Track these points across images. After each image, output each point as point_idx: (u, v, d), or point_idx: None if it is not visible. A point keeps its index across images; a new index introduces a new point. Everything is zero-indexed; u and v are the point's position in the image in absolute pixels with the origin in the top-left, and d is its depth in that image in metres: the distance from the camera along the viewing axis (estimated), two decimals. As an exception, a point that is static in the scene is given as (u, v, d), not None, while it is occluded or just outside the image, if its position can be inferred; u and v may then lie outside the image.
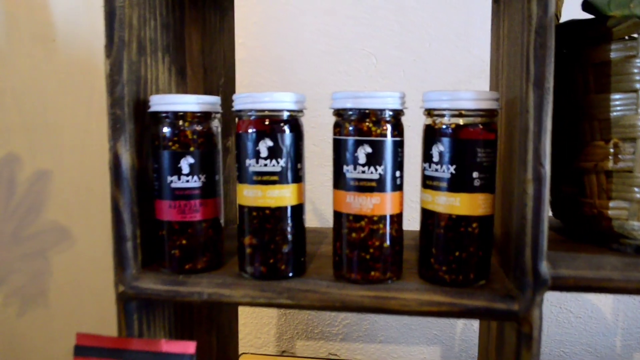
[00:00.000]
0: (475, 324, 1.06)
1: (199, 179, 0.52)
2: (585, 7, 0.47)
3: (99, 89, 0.87)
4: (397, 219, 0.49)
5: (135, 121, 0.52)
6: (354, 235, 0.48)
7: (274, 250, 0.50)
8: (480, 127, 0.46)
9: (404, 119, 0.50)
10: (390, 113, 0.47)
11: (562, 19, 0.56)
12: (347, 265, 0.50)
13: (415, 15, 1.02)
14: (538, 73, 0.43)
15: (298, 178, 0.51)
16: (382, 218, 0.48)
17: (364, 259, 0.49)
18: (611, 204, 0.50)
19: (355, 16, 1.04)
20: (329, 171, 1.04)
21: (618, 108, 0.49)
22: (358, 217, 0.48)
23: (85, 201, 0.84)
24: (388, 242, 0.48)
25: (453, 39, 1.02)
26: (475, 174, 0.46)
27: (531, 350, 0.45)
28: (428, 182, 0.48)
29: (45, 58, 0.80)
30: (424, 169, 0.49)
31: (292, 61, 1.06)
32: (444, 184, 0.47)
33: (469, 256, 0.47)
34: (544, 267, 0.44)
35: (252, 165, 0.49)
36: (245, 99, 0.49)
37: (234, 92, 0.79)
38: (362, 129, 0.47)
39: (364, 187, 0.47)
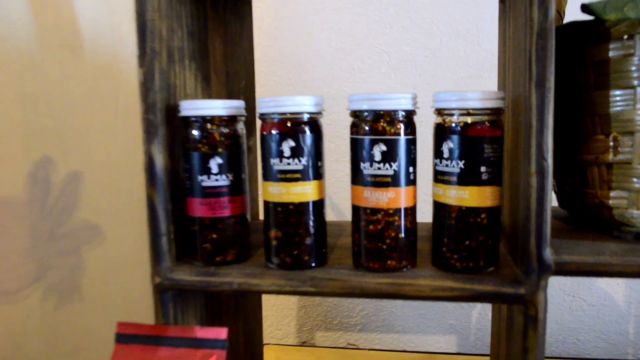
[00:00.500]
0: (489, 312, 1.09)
1: (227, 177, 0.56)
2: (584, 10, 0.50)
3: (124, 92, 0.91)
4: (411, 211, 0.53)
5: (166, 125, 0.57)
6: (371, 227, 0.52)
7: (298, 243, 0.54)
8: (487, 124, 0.50)
9: (418, 114, 0.53)
10: (403, 113, 0.51)
11: (567, 19, 0.59)
12: (366, 255, 0.54)
13: (426, 10, 1.05)
14: (539, 74, 0.46)
15: (319, 175, 0.55)
16: (397, 211, 0.52)
17: (381, 249, 0.52)
18: (612, 193, 0.53)
19: (366, 14, 1.07)
20: (344, 167, 1.07)
21: (617, 104, 0.52)
22: (375, 211, 0.52)
23: (114, 200, 0.88)
24: (403, 233, 0.52)
25: (464, 33, 1.05)
26: (483, 169, 0.50)
27: (537, 331, 0.48)
28: (439, 177, 0.52)
29: (73, 64, 0.84)
30: (435, 165, 0.52)
31: (306, 60, 1.09)
32: (454, 178, 0.50)
33: (478, 245, 0.51)
34: (548, 254, 0.47)
35: (276, 164, 0.53)
36: (269, 103, 0.53)
37: (254, 93, 0.83)
38: (377, 129, 0.51)
39: (380, 182, 0.51)
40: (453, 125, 0.50)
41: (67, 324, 0.84)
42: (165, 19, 0.57)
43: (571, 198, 0.60)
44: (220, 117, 0.56)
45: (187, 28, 0.63)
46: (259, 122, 0.56)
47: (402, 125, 0.51)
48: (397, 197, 0.51)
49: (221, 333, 0.53)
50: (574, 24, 0.55)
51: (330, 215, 1.09)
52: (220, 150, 0.55)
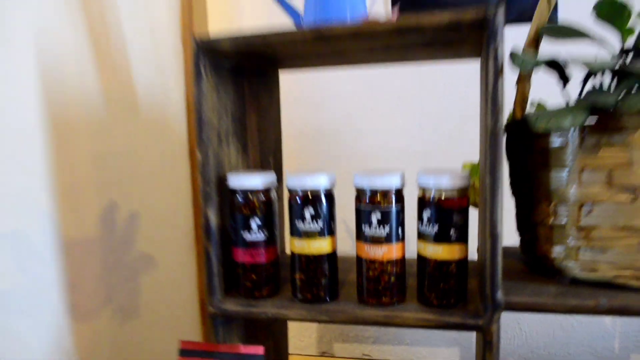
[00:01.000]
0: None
1: (264, 233, 0.74)
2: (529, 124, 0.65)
3: (170, 144, 1.07)
4: (400, 261, 0.70)
5: (217, 192, 0.75)
6: (370, 273, 0.70)
7: (317, 283, 0.72)
8: (456, 198, 0.67)
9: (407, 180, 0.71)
10: (394, 189, 0.68)
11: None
12: (366, 293, 0.71)
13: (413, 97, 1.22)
14: (492, 164, 0.62)
15: (331, 232, 0.72)
16: (390, 261, 0.69)
17: (378, 289, 0.70)
18: (553, 248, 0.70)
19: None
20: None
21: (556, 181, 0.68)
22: (373, 261, 0.69)
23: (165, 235, 1.06)
24: (394, 278, 0.70)
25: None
26: (452, 231, 0.67)
27: (492, 352, 0.65)
28: (420, 236, 0.69)
29: (132, 122, 0.99)
30: (418, 227, 0.70)
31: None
32: (431, 238, 0.68)
33: (449, 287, 0.68)
34: (499, 295, 0.64)
35: (300, 225, 0.71)
36: (295, 180, 0.71)
37: (281, 160, 1.00)
38: (374, 201, 0.68)
39: (377, 240, 0.69)
40: (430, 198, 0.68)
41: (130, 338, 1.00)
42: (216, 111, 0.75)
43: (527, 248, 0.76)
44: (258, 189, 0.73)
45: (231, 112, 0.80)
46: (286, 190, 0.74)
47: (393, 198, 0.68)
48: (389, 251, 0.69)
49: (259, 350, 0.70)
50: (523, 121, 0.71)
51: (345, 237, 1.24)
52: (258, 212, 0.73)
